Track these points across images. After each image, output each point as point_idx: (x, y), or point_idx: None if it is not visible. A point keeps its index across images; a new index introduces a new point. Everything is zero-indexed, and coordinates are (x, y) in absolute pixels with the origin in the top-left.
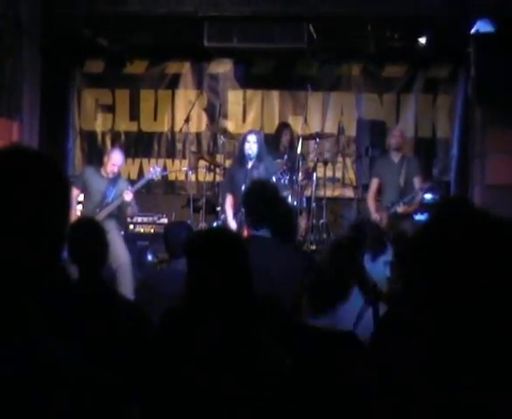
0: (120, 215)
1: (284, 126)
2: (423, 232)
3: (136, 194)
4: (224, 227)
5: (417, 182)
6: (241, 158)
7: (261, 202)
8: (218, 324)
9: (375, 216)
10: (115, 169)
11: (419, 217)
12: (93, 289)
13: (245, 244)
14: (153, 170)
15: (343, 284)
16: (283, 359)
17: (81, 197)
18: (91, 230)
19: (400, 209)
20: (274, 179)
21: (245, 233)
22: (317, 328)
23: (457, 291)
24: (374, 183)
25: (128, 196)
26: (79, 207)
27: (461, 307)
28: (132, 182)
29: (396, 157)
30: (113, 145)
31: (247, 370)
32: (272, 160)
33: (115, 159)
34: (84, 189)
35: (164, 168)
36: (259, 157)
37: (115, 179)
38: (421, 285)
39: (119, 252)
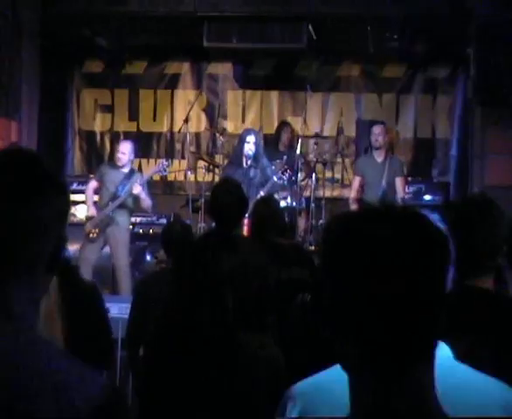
0: (136, 209)
1: (284, 124)
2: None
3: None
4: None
5: (398, 183)
6: (239, 158)
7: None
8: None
9: None
10: (123, 157)
11: None
12: None
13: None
14: (160, 166)
15: None
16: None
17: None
18: None
19: None
20: (275, 179)
21: (245, 232)
22: None
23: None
24: (356, 182)
25: (136, 189)
26: (95, 197)
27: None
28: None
29: (379, 157)
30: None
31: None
32: (267, 160)
33: (122, 147)
34: (100, 181)
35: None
36: (256, 157)
37: (131, 173)
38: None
39: (120, 253)
